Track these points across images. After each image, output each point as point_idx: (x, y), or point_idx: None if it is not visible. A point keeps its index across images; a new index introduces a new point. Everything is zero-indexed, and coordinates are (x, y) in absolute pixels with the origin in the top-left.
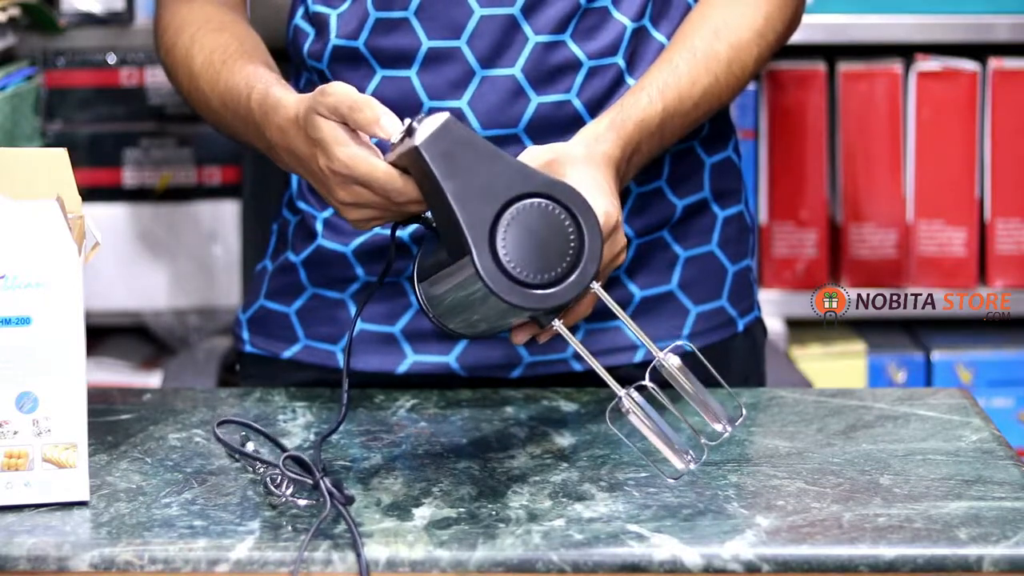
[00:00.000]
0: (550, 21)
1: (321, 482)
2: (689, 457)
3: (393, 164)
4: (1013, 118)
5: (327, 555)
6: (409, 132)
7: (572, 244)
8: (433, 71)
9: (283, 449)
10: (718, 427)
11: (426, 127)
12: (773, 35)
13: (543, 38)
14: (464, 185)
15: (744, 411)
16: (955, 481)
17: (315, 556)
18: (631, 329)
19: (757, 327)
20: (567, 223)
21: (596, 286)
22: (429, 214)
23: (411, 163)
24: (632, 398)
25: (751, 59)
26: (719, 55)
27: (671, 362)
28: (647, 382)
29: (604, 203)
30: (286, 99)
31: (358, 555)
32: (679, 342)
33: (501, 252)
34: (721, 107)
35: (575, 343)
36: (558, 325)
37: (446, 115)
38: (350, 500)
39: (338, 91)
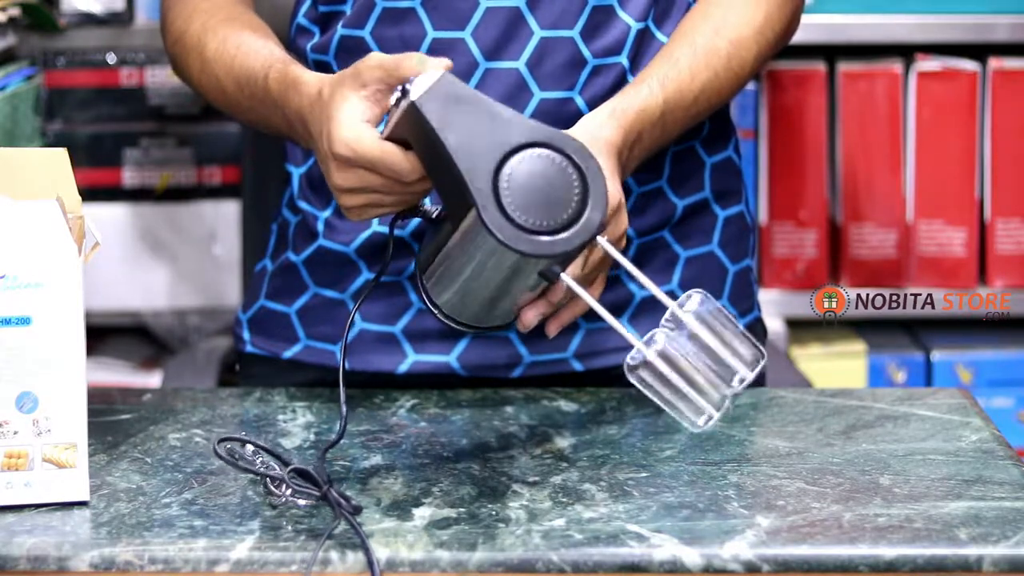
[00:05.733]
0: (556, 16)
1: (329, 493)
2: (715, 402)
3: (390, 139)
4: (1013, 118)
5: (327, 555)
6: (404, 94)
7: (576, 192)
8: None
9: (284, 463)
10: (741, 372)
11: (420, 83)
12: (772, 33)
13: (548, 33)
14: (463, 137)
15: (764, 354)
16: (955, 481)
17: (316, 556)
18: (640, 284)
19: (757, 327)
20: (570, 172)
21: (603, 240)
22: (427, 204)
23: (409, 126)
24: (653, 349)
25: (751, 56)
26: (719, 51)
27: (692, 304)
28: (663, 329)
29: (608, 186)
30: (306, 76)
31: (370, 562)
32: (691, 291)
33: (505, 201)
34: (721, 103)
35: (584, 294)
36: (566, 277)
37: (440, 71)
38: (358, 510)
39: (377, 55)
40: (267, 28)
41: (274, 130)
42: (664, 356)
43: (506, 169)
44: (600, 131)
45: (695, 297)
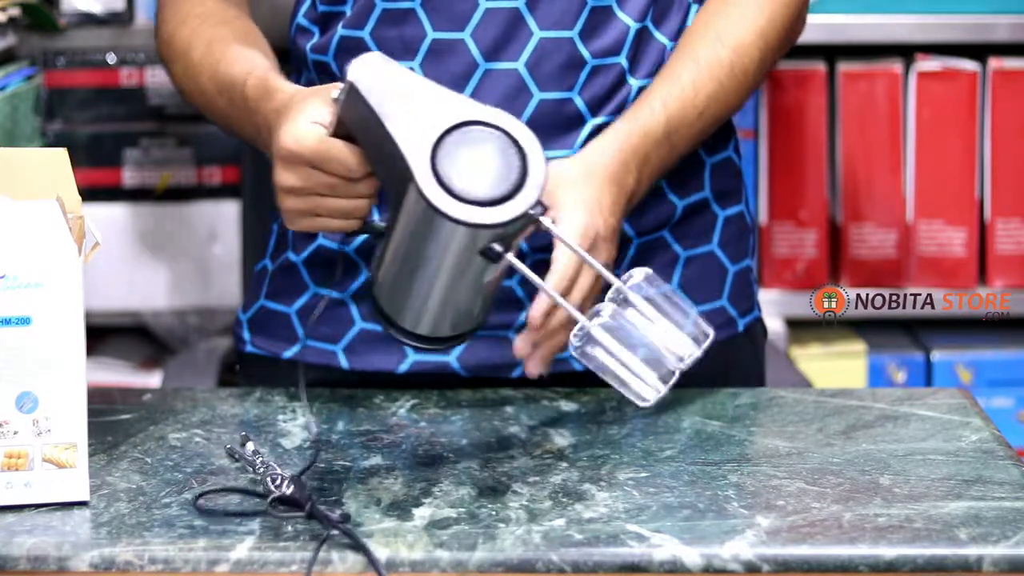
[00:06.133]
0: (555, 17)
1: (314, 511)
2: (662, 377)
3: (335, 136)
4: (1013, 118)
5: (327, 555)
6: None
7: (516, 169)
8: (436, 63)
9: (263, 497)
10: (688, 348)
11: (357, 65)
12: (776, 36)
13: (547, 34)
14: (402, 114)
15: (711, 332)
16: (955, 481)
17: (315, 557)
18: (587, 261)
19: (757, 327)
20: (510, 149)
21: (548, 222)
22: (376, 220)
23: (350, 110)
24: (596, 322)
25: (753, 62)
26: (722, 60)
27: (635, 280)
28: (607, 304)
29: (584, 219)
30: (284, 85)
31: (372, 562)
32: (635, 268)
33: (443, 173)
34: (730, 113)
35: (525, 270)
36: (510, 257)
37: (375, 52)
38: (346, 518)
39: None
40: (258, 35)
41: (244, 138)
42: (607, 330)
43: (445, 144)
44: (600, 158)
45: (638, 274)
